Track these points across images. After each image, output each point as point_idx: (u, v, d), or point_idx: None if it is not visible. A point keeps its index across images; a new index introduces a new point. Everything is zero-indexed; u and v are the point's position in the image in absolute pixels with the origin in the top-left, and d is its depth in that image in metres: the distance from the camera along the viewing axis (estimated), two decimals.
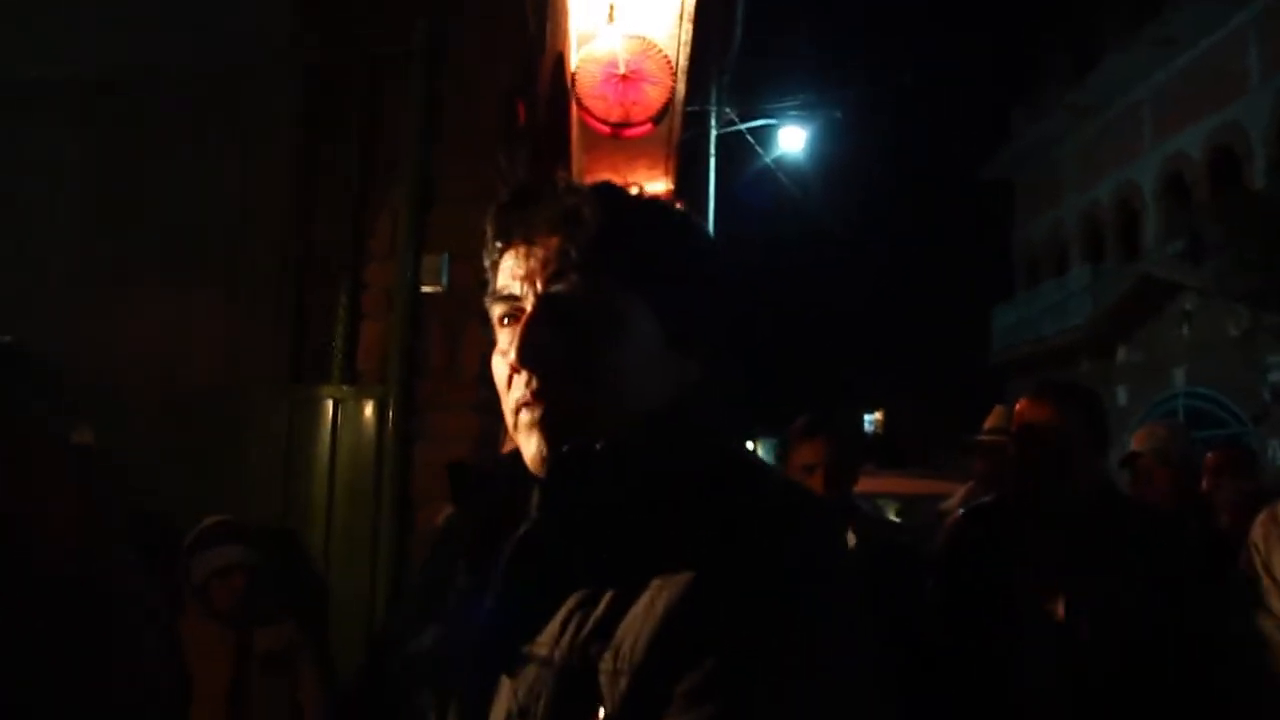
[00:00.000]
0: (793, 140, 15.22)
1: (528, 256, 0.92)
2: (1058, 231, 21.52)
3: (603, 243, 0.90)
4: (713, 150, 13.65)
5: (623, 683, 0.79)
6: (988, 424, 4.39)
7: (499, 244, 0.96)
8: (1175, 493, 3.49)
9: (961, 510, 2.87)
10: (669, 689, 0.78)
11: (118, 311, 3.15)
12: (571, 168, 5.79)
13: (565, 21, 4.92)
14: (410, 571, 2.91)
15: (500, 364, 0.94)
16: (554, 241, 0.91)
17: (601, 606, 0.84)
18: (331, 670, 2.86)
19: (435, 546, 1.12)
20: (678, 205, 1.05)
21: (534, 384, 0.90)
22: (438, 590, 0.98)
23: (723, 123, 13.73)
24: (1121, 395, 16.96)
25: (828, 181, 18.89)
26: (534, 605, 0.87)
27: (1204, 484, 3.76)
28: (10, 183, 3.35)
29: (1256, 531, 2.47)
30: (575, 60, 5.03)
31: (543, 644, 0.85)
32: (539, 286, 0.91)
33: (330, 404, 3.09)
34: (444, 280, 3.08)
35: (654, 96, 4.93)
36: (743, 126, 14.21)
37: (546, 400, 0.90)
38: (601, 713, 0.80)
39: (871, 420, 28.48)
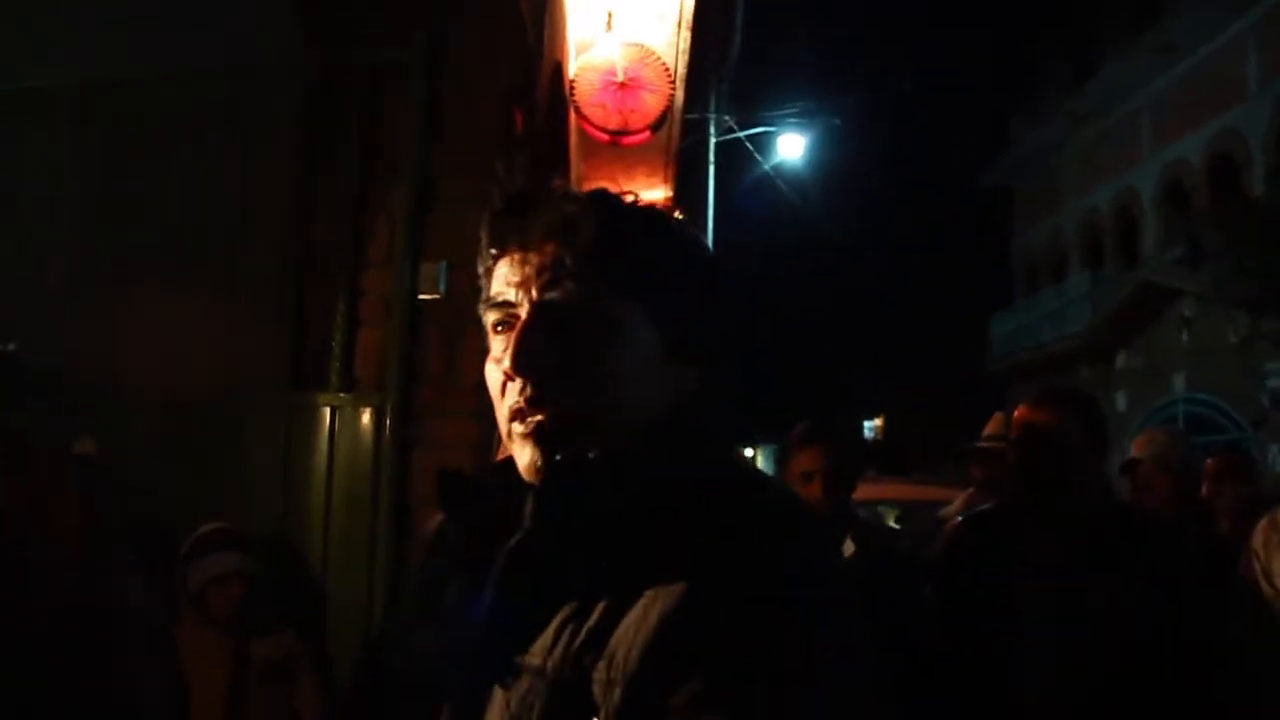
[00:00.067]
0: (792, 148, 15.26)
1: (523, 263, 0.92)
2: (1057, 238, 21.53)
3: (599, 250, 0.90)
4: (712, 158, 13.67)
5: (616, 693, 0.79)
6: (987, 431, 4.39)
7: (494, 251, 0.95)
8: (1175, 498, 3.49)
9: (960, 517, 2.86)
10: (663, 699, 0.77)
11: (117, 313, 3.14)
12: (570, 175, 5.80)
13: (563, 29, 4.93)
14: (408, 579, 2.90)
15: (494, 371, 0.93)
16: (550, 249, 0.90)
17: (595, 616, 0.83)
18: (329, 678, 2.85)
19: (429, 553, 1.12)
20: (675, 213, 1.05)
21: (528, 391, 0.89)
22: (433, 597, 0.98)
23: (722, 130, 13.75)
24: (1121, 401, 16.97)
25: (827, 189, 18.92)
26: (527, 615, 0.87)
27: (1204, 490, 3.76)
28: (10, 183, 3.35)
29: (1257, 538, 2.47)
30: (573, 68, 5.03)
31: (536, 654, 0.85)
32: (534, 293, 0.91)
33: (328, 412, 3.09)
34: (442, 288, 3.08)
35: (652, 104, 4.93)
36: (742, 134, 14.23)
37: (541, 408, 0.89)
38: None
39: (871, 427, 28.51)
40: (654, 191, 7.01)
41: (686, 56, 5.32)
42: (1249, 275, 11.97)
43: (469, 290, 3.04)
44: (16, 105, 3.32)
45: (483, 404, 2.94)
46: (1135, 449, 3.66)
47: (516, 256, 0.92)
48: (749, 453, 18.31)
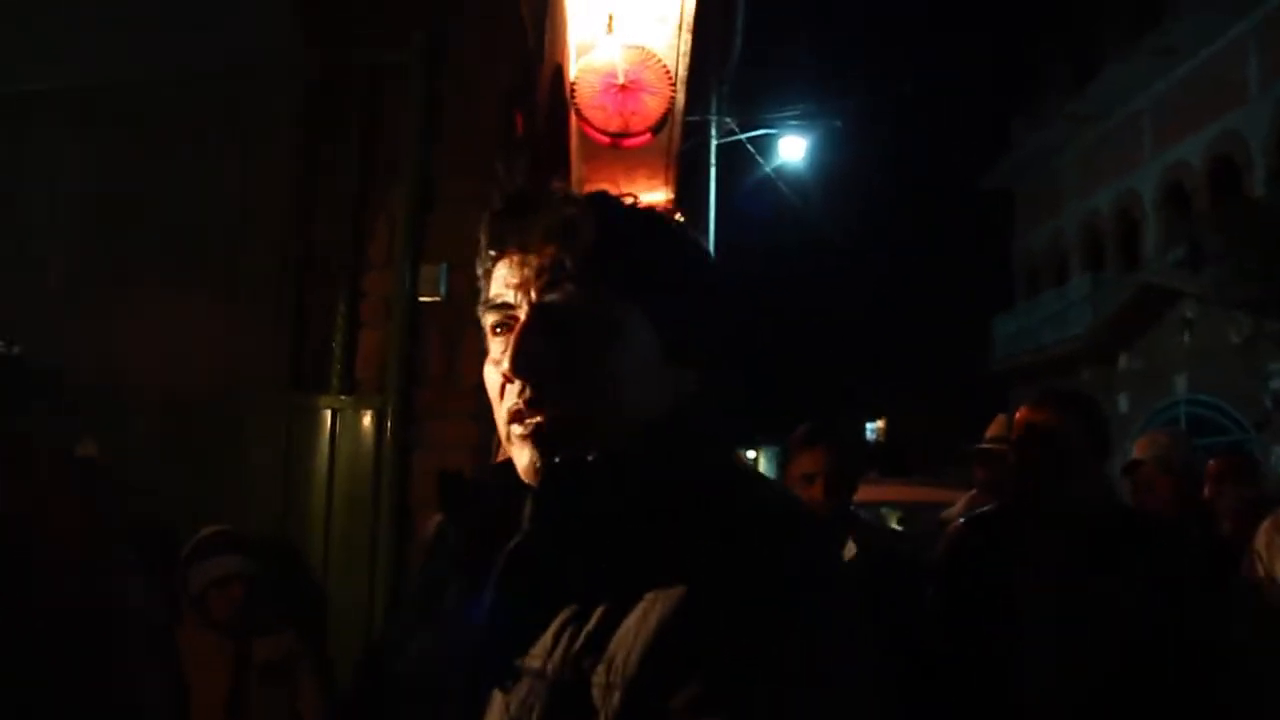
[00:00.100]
0: (793, 150, 15.27)
1: (522, 265, 0.91)
2: (1058, 241, 21.52)
3: (599, 252, 0.89)
4: (713, 160, 13.69)
5: (616, 696, 0.78)
6: (989, 433, 4.39)
7: (493, 252, 0.95)
8: (1177, 500, 3.49)
9: (962, 519, 2.86)
10: (663, 702, 0.77)
11: (117, 313, 3.14)
12: (570, 178, 5.80)
13: (564, 32, 4.93)
14: (408, 581, 2.90)
15: (493, 373, 0.93)
16: (549, 250, 0.90)
17: (594, 619, 0.83)
18: (330, 680, 2.84)
19: (429, 555, 1.12)
20: (676, 216, 1.04)
21: (527, 393, 0.89)
22: (433, 599, 0.98)
23: (723, 132, 13.77)
24: (1123, 403, 16.95)
25: (828, 191, 18.96)
26: (526, 617, 0.86)
27: (1206, 491, 3.75)
28: (10, 183, 3.36)
29: (1259, 539, 2.47)
30: (574, 70, 5.04)
31: (535, 657, 0.85)
32: (533, 295, 0.90)
33: (329, 414, 3.09)
34: (442, 290, 3.08)
35: (653, 106, 4.94)
36: (743, 136, 14.25)
37: (540, 410, 0.89)
38: None
39: (873, 428, 28.50)
40: (655, 194, 7.01)
41: (687, 59, 5.32)
42: (1250, 277, 11.97)
43: (469, 292, 3.04)
44: (17, 105, 3.32)
45: (482, 406, 2.93)
46: (1137, 450, 3.66)
47: (516, 258, 0.92)
48: (751, 455, 18.31)
